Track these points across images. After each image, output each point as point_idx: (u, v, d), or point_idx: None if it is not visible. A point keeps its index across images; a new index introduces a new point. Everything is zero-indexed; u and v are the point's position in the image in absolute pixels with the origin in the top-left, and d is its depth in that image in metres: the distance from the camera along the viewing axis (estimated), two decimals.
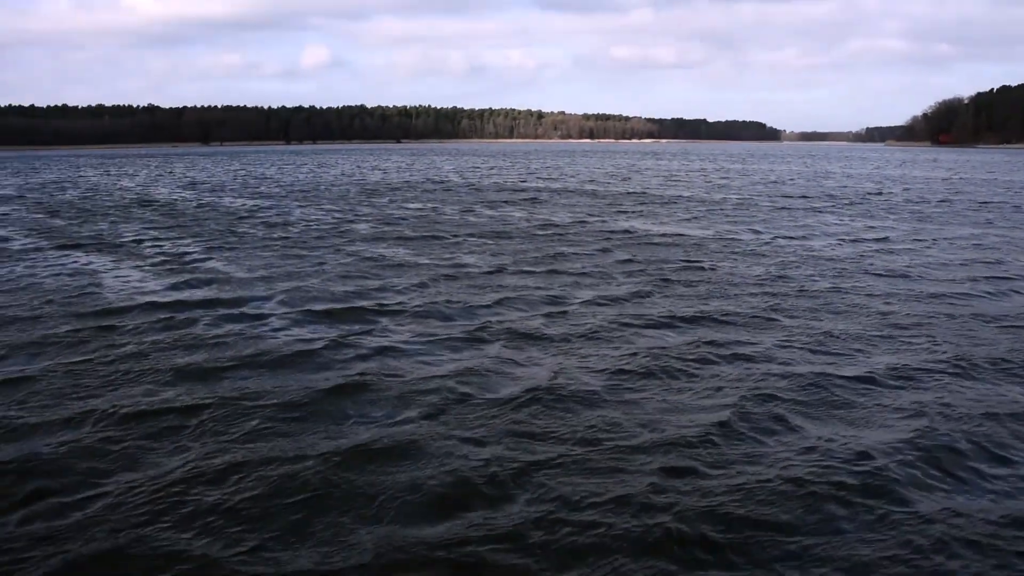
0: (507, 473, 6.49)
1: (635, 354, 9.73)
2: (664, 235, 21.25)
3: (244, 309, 12.48)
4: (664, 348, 10.01)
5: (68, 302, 13.06)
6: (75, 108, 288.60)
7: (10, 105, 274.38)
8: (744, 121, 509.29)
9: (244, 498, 6.11)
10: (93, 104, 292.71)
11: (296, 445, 7.11)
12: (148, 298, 13.30)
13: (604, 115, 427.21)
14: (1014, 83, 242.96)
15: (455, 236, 21.13)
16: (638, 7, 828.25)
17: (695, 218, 25.91)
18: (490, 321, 11.60)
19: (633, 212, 27.93)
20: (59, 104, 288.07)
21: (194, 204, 33.42)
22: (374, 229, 23.14)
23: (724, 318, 11.65)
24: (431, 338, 10.71)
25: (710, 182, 47.65)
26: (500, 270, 15.93)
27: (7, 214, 30.27)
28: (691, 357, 9.61)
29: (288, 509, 5.98)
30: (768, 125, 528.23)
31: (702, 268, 15.99)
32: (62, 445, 7.10)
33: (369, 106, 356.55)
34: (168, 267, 16.79)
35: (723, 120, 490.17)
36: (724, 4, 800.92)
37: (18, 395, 8.44)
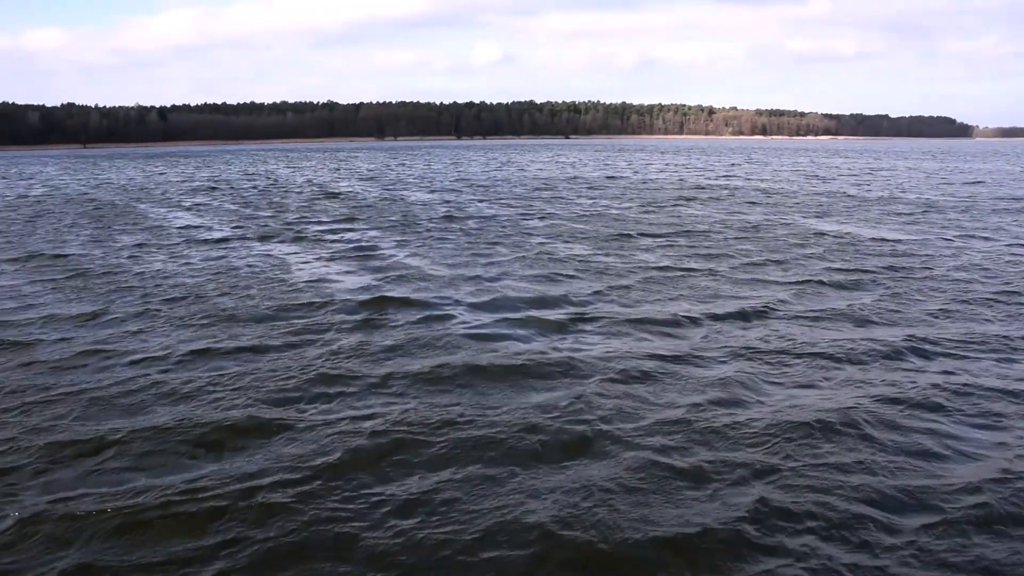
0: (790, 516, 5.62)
1: (873, 383, 8.57)
2: (875, 240, 19.45)
3: (434, 306, 12.11)
4: (912, 382, 8.75)
5: (267, 292, 13.11)
6: (261, 105, 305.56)
7: (205, 103, 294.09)
8: (931, 116, 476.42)
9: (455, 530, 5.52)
10: (278, 101, 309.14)
11: (530, 468, 6.48)
12: (341, 292, 13.16)
13: (778, 111, 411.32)
14: None
15: (639, 234, 20.17)
16: None
17: (910, 222, 23.68)
18: (698, 330, 10.73)
19: (832, 213, 25.99)
20: (248, 101, 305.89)
21: (375, 197, 33.95)
22: (552, 225, 22.55)
23: (968, 344, 10.21)
24: (646, 350, 9.93)
25: (911, 181, 44.27)
26: (692, 271, 14.91)
27: (207, 204, 31.74)
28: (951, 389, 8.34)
29: (517, 550, 5.33)
30: (958, 120, 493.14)
31: (931, 279, 14.36)
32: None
33: (538, 101, 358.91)
34: (356, 259, 16.78)
35: (907, 115, 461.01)
36: None
37: (228, 390, 8.28)
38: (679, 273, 14.82)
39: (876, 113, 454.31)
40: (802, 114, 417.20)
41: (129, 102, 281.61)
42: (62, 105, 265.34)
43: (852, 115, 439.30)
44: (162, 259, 17.23)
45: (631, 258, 16.58)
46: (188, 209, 29.82)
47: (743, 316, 11.45)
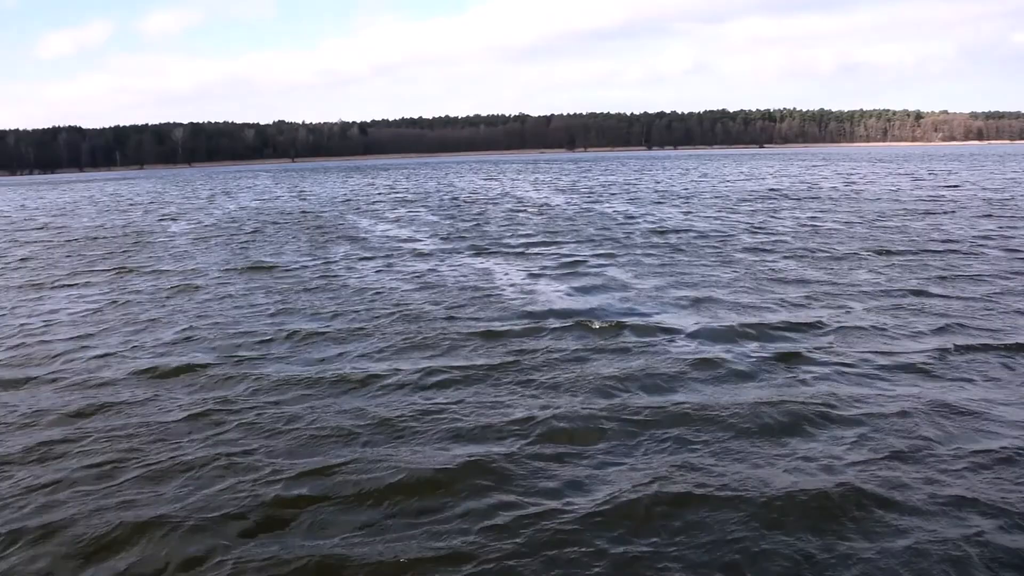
0: None
1: None
2: None
3: (652, 330, 11.36)
4: None
5: (482, 308, 12.84)
6: (455, 118, 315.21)
7: (402, 117, 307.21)
8: None
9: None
10: (471, 114, 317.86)
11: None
12: (556, 310, 12.66)
13: (996, 113, 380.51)
14: None
15: (866, 251, 18.50)
16: None
17: None
18: (928, 347, 9.47)
19: None
20: (442, 115, 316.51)
21: (576, 210, 33.60)
22: (756, 238, 21.25)
23: None
24: (878, 364, 8.83)
25: None
26: (934, 296, 13.30)
27: (414, 216, 32.49)
28: None
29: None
30: None
31: None
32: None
33: (731, 110, 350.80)
34: (565, 274, 16.31)
35: None
36: None
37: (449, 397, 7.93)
38: (920, 300, 13.28)
39: None
40: None
41: (332, 118, 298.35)
42: (273, 123, 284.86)
43: None
44: (373, 270, 17.48)
45: (858, 279, 15.10)
46: (392, 221, 30.57)
47: (1006, 350, 9.96)
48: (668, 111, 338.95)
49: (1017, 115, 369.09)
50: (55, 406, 8.65)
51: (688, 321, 11.73)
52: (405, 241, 23.16)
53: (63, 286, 16.86)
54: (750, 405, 7.98)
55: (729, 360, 9.58)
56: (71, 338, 11.88)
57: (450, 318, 12.29)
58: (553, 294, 14.11)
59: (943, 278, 14.86)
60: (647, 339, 10.74)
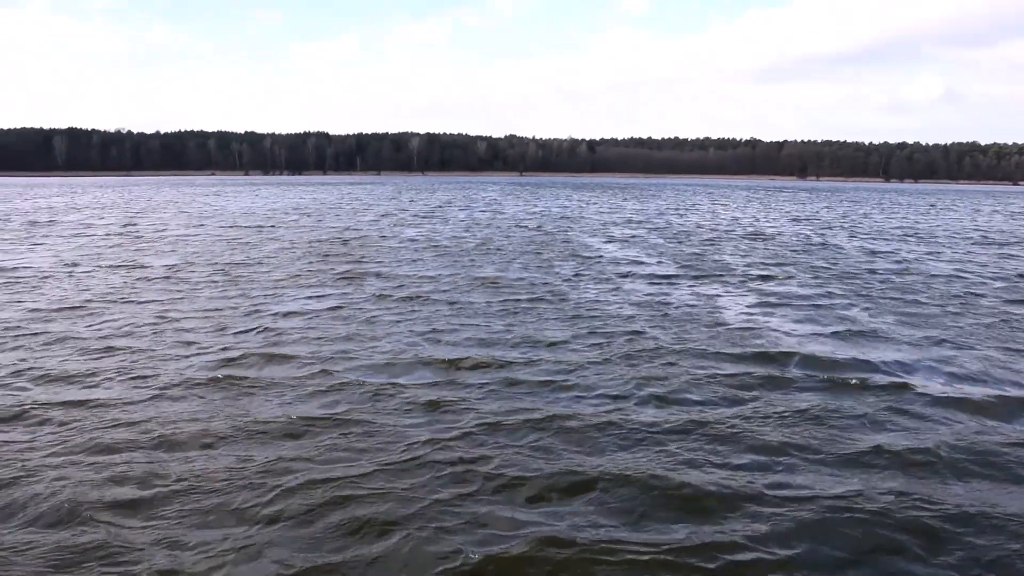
0: None
1: None
2: None
3: (897, 374, 10.30)
4: None
5: (729, 340, 12.20)
6: (684, 140, 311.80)
7: (631, 137, 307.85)
8: None
9: None
10: (700, 137, 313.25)
11: None
12: (801, 346, 11.81)
13: None
14: None
15: None
16: None
17: None
18: None
19: None
20: (671, 136, 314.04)
21: (809, 242, 31.89)
22: (1013, 285, 19.04)
23: None
24: None
25: None
26: None
27: (634, 236, 32.09)
28: None
29: None
30: None
31: None
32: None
33: (982, 143, 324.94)
34: (802, 310, 15.28)
35: None
36: None
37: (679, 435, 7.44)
38: None
39: None
40: None
41: (562, 134, 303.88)
42: (505, 136, 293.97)
43: None
44: (598, 290, 17.23)
45: None
46: (620, 241, 30.27)
47: None
48: (911, 141, 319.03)
49: None
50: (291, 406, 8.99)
51: (942, 370, 10.58)
52: (634, 263, 22.77)
53: (318, 284, 17.84)
54: None
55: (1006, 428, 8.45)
56: (346, 336, 12.43)
57: (678, 345, 11.78)
58: (792, 333, 13.19)
59: None
60: (889, 382, 9.77)
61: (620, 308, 15.18)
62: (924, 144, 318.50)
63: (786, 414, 8.82)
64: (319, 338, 12.25)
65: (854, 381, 10.15)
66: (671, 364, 10.87)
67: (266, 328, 12.93)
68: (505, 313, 14.46)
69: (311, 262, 21.82)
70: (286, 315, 14.11)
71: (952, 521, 6.32)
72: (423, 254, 24.27)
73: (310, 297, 16.10)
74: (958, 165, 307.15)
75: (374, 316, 14.04)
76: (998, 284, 19.77)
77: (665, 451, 7.66)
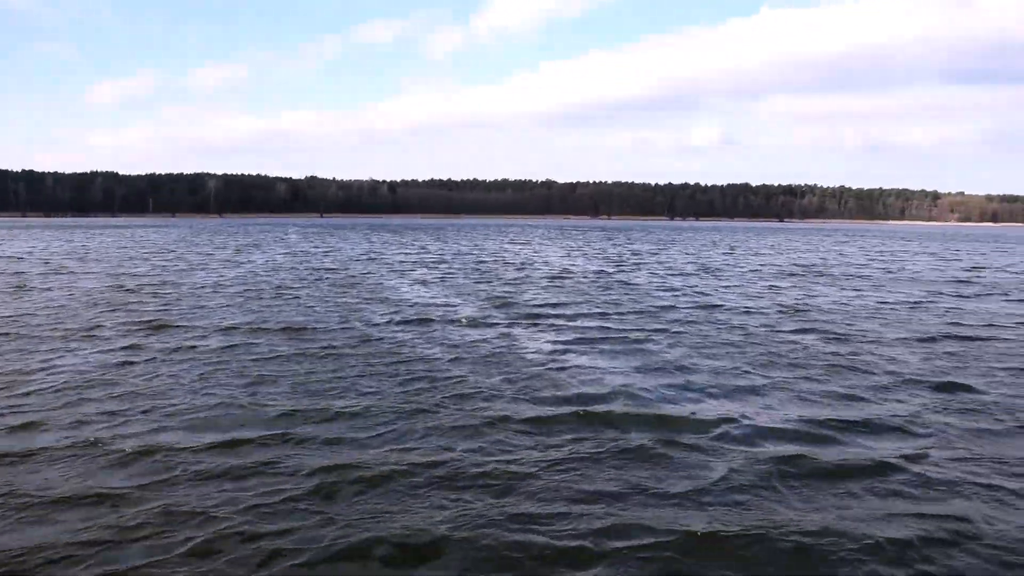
0: None
1: None
2: None
3: (711, 421, 10.38)
4: None
5: (542, 381, 11.89)
6: (484, 181, 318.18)
7: (432, 179, 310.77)
8: None
9: None
10: (499, 178, 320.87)
11: None
12: (617, 384, 11.70)
13: (1012, 196, 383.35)
14: None
15: (901, 338, 17.42)
16: None
17: None
18: None
19: None
20: (471, 178, 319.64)
21: (613, 280, 32.76)
22: (805, 318, 20.21)
23: None
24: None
25: None
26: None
27: (443, 277, 31.78)
28: None
29: None
30: None
31: None
32: None
33: (753, 184, 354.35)
34: (620, 349, 15.34)
35: None
36: None
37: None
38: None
39: None
40: None
41: (364, 175, 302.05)
42: (306, 178, 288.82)
43: None
44: (408, 335, 16.61)
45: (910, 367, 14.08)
46: (424, 283, 29.82)
47: None
48: (692, 183, 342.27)
49: None
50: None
51: (769, 415, 10.76)
52: (438, 305, 22.34)
53: (89, 338, 16.08)
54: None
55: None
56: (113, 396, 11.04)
57: (491, 397, 11.36)
58: (599, 372, 13.15)
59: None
60: (709, 434, 9.77)
61: (430, 351, 14.65)
62: (704, 185, 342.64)
63: (609, 454, 8.59)
64: (86, 400, 10.89)
65: (672, 416, 10.15)
66: (483, 409, 10.42)
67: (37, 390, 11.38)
68: (309, 360, 13.56)
69: (94, 314, 19.82)
70: (55, 372, 12.52)
71: (797, 543, 6.24)
72: (215, 300, 22.73)
73: (92, 352, 14.46)
74: (734, 204, 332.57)
75: (157, 371, 12.74)
76: (777, 314, 20.90)
77: (487, 504, 7.16)
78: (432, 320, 19.04)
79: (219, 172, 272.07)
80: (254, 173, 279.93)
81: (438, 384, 11.96)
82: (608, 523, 6.86)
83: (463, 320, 19.01)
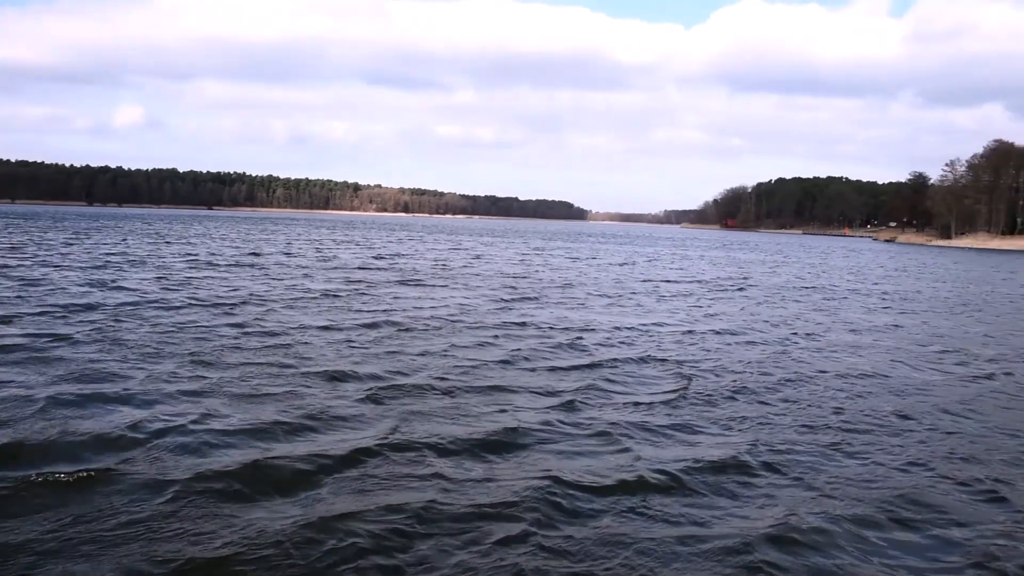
0: None
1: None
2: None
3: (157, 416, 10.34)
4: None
5: None
6: None
7: None
8: (553, 200, 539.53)
9: None
10: None
11: None
12: None
13: (420, 190, 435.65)
14: (788, 176, 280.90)
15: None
16: (463, 88, 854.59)
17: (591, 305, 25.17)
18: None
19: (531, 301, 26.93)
20: None
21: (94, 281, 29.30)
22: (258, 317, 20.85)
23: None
24: None
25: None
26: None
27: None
28: None
29: None
30: (576, 205, 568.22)
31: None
32: None
33: (181, 170, 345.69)
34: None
35: (534, 199, 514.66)
36: (545, 91, 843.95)
37: None
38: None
39: (509, 195, 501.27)
40: (441, 193, 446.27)
41: None
42: None
43: (487, 196, 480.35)
44: None
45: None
46: None
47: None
48: (114, 166, 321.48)
49: (435, 193, 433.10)
50: None
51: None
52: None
53: None
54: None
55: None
56: None
57: None
58: None
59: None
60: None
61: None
62: (128, 169, 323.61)
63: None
64: None
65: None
66: None
67: None
68: None
69: None
70: None
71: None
72: None
73: None
74: (160, 190, 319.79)
75: None
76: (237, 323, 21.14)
77: None
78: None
79: None
80: None
81: None
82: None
83: None
